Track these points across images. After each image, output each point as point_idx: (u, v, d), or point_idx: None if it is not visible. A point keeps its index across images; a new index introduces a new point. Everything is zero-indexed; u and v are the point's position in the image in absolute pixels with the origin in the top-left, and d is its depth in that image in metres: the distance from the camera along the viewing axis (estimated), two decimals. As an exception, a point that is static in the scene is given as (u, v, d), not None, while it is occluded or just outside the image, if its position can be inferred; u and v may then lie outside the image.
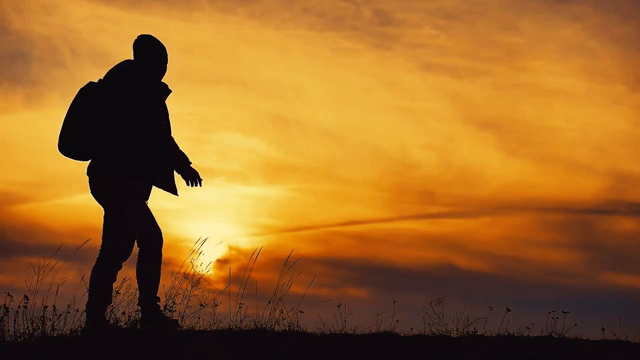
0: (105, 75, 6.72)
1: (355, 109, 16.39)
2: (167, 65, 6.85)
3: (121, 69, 6.72)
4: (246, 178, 15.74)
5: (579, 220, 16.80)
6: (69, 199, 15.65)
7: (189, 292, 7.40)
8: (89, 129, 6.59)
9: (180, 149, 6.95)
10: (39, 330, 6.96)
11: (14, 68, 16.14)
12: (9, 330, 6.95)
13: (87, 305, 6.72)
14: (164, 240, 6.88)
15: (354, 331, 7.37)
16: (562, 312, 7.47)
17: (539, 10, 16.33)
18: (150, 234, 6.80)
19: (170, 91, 6.89)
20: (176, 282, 7.43)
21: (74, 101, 6.69)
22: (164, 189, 6.89)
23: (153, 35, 6.86)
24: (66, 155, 6.67)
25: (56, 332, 6.99)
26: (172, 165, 6.86)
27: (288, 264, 7.55)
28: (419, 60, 16.27)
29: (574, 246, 16.42)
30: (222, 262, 7.77)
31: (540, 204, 16.56)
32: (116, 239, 6.66)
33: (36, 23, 15.69)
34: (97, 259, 6.72)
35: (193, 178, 6.91)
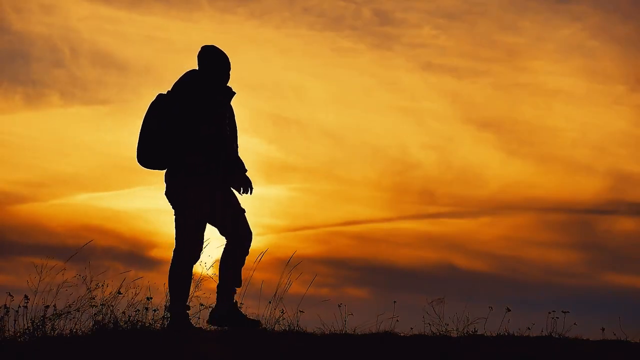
0: (172, 87, 6.96)
1: (355, 109, 16.39)
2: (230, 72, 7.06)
3: (186, 80, 6.95)
4: (246, 178, 15.73)
5: (579, 220, 16.80)
6: (69, 199, 15.67)
7: (189, 292, 7.40)
8: (159, 141, 6.85)
9: (238, 155, 7.11)
10: (39, 330, 6.95)
11: (13, 68, 16.15)
12: (9, 330, 6.95)
13: (169, 306, 6.92)
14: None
15: (354, 331, 7.37)
16: (562, 312, 7.47)
17: (539, 10, 16.33)
18: (236, 234, 6.93)
19: (234, 93, 7.08)
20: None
21: (145, 115, 6.96)
22: (237, 190, 7.04)
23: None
24: (143, 166, 6.96)
25: (56, 332, 6.99)
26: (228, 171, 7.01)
27: (290, 265, 7.55)
28: (419, 60, 16.27)
29: (574, 246, 16.42)
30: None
31: (540, 204, 16.57)
32: (181, 241, 6.89)
33: (36, 23, 15.70)
34: (171, 260, 6.94)
35: (244, 186, 7.03)
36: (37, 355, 6.31)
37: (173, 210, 6.96)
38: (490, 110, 16.74)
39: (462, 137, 16.71)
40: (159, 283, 7.40)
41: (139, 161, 6.95)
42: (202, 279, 7.47)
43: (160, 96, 6.94)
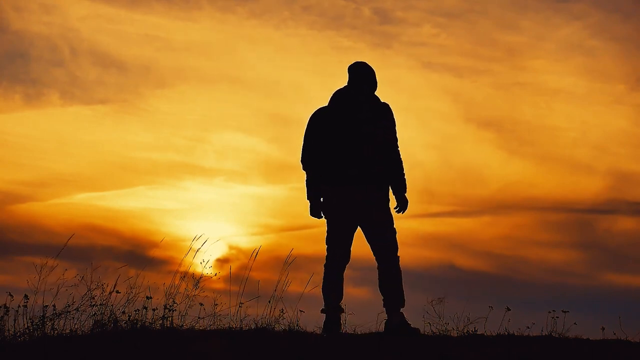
0: (329, 101, 7.34)
1: (356, 108, 16.36)
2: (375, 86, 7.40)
3: (337, 96, 7.32)
4: (246, 177, 15.73)
5: (579, 220, 16.79)
6: (69, 199, 15.67)
7: (189, 292, 7.40)
8: (318, 150, 7.27)
9: (403, 174, 7.37)
10: (39, 330, 6.95)
11: (13, 67, 16.15)
12: (9, 330, 6.95)
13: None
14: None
15: (354, 331, 7.36)
16: (562, 311, 7.47)
17: (539, 9, 16.33)
18: (377, 250, 7.29)
19: (383, 106, 7.36)
20: (176, 282, 7.43)
21: (307, 126, 7.36)
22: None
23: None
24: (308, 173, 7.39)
25: (56, 332, 6.99)
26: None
27: (287, 263, 7.55)
28: (419, 59, 16.26)
29: (574, 246, 16.42)
30: (222, 262, 7.78)
31: (540, 204, 16.56)
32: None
33: (36, 22, 15.69)
34: None
35: (403, 207, 7.38)
36: (37, 355, 6.31)
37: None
38: (491, 110, 16.74)
39: (463, 137, 16.70)
40: (159, 283, 7.41)
41: (303, 168, 7.40)
42: (203, 278, 7.48)
43: (319, 110, 7.31)
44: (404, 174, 7.35)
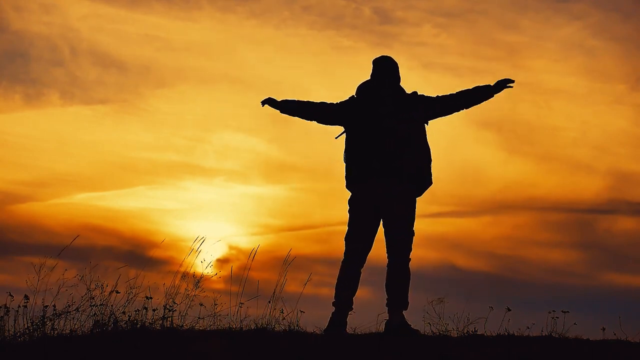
0: (356, 92, 7.45)
1: (356, 108, 16.35)
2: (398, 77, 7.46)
3: (361, 89, 7.43)
4: (246, 177, 15.73)
5: (579, 220, 16.79)
6: (69, 199, 15.67)
7: (189, 292, 7.41)
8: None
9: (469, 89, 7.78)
10: (39, 330, 6.95)
11: (13, 67, 16.15)
12: (9, 330, 6.95)
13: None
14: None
15: (354, 331, 7.36)
16: (562, 311, 7.47)
17: (539, 9, 16.33)
18: (391, 244, 7.25)
19: (412, 95, 7.44)
20: (176, 282, 7.44)
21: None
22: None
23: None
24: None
25: (56, 332, 6.99)
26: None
27: (286, 263, 7.56)
28: (419, 59, 16.25)
29: (574, 246, 16.41)
30: (222, 262, 7.78)
31: (540, 204, 16.56)
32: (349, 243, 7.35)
33: (35, 22, 15.69)
34: None
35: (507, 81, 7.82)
36: (37, 355, 6.31)
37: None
38: (491, 110, 16.73)
39: (463, 137, 16.69)
40: (159, 283, 7.41)
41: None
42: (203, 278, 7.48)
43: (350, 98, 7.43)
44: (473, 88, 7.76)
